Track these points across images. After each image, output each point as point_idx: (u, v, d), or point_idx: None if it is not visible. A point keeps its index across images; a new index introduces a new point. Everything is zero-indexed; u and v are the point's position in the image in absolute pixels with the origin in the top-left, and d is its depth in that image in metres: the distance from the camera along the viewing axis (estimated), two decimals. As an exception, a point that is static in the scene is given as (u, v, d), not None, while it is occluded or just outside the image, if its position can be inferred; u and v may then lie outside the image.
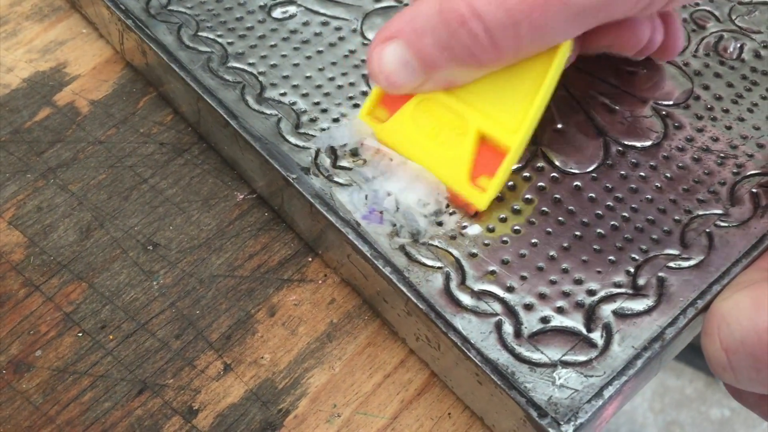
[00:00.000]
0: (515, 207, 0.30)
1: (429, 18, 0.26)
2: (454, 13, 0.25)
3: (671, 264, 0.28)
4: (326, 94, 0.33)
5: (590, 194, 0.30)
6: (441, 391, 0.30)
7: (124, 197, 0.34)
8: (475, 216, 0.30)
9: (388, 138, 0.30)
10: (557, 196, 0.30)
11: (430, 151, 0.30)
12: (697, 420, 1.06)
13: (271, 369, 0.30)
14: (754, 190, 0.30)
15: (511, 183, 0.31)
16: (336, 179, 0.30)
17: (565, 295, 0.28)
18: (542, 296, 0.28)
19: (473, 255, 0.29)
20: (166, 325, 0.31)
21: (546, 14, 0.25)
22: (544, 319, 0.27)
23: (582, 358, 0.26)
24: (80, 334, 0.31)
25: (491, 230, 0.29)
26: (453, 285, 0.28)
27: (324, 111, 0.33)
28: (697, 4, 0.36)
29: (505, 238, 0.29)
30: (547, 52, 0.27)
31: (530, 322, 0.27)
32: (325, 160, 0.31)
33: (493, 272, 0.28)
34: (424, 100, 0.29)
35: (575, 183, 0.31)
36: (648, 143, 0.32)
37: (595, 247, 0.29)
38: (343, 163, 0.31)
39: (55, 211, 0.34)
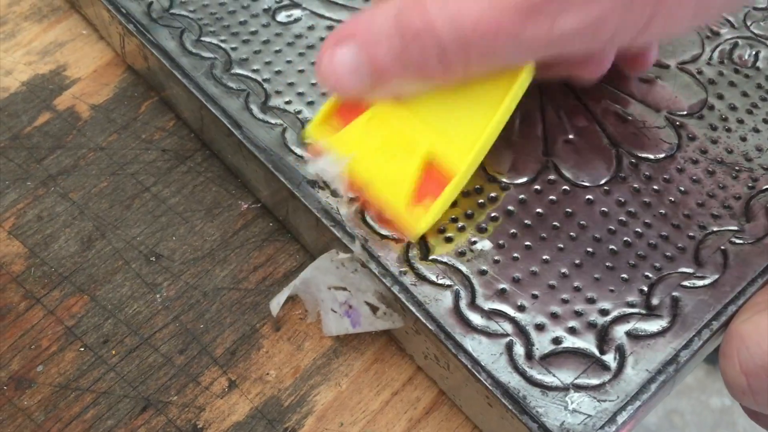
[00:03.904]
0: (526, 222, 0.29)
1: (384, 25, 0.26)
2: (409, 25, 0.25)
3: (685, 283, 0.28)
4: (332, 103, 0.32)
5: (602, 208, 0.30)
6: (450, 409, 0.29)
7: (126, 206, 0.34)
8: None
9: (341, 147, 0.29)
10: (569, 210, 0.30)
11: (376, 167, 0.28)
12: (697, 409, 1.06)
13: (277, 386, 0.30)
14: (769, 206, 0.30)
15: (522, 196, 0.30)
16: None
17: (578, 314, 0.27)
18: (554, 316, 0.27)
19: (483, 272, 0.28)
20: (170, 340, 0.31)
21: (496, 43, 0.25)
22: (556, 340, 0.27)
23: (595, 381, 0.26)
24: (82, 349, 0.30)
25: (501, 246, 0.29)
26: (463, 304, 0.27)
27: (330, 120, 0.32)
28: None
29: (515, 254, 0.29)
30: (508, 75, 0.27)
31: (542, 343, 0.27)
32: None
33: (503, 290, 0.28)
34: (379, 113, 0.28)
35: (587, 196, 0.30)
36: (661, 155, 0.31)
37: (607, 264, 0.28)
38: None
39: (56, 221, 0.33)
